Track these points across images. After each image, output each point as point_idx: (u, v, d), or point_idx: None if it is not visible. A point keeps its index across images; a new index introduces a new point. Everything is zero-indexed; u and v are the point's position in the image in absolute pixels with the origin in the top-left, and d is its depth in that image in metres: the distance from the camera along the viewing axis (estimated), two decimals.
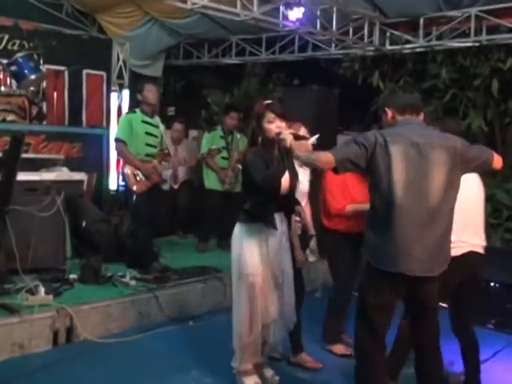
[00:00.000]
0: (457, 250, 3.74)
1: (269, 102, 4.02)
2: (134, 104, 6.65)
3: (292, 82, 9.58)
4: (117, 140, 6.15)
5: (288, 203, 4.09)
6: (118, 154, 6.51)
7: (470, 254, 3.95)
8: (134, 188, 6.02)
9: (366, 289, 3.46)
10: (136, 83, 7.34)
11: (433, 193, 3.27)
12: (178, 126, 8.20)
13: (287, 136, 3.76)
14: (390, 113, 3.49)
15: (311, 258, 4.78)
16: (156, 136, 6.21)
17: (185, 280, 5.87)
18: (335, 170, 3.35)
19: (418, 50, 7.60)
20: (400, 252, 3.25)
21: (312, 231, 4.74)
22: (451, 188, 3.33)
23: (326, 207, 4.78)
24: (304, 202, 4.62)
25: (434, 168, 3.28)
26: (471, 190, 3.95)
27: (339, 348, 4.83)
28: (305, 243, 4.51)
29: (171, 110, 8.62)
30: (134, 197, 6.03)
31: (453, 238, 3.44)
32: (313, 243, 4.74)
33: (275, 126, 3.90)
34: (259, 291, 3.92)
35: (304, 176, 4.62)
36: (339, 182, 4.63)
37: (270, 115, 3.92)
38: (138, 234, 6.12)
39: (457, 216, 3.41)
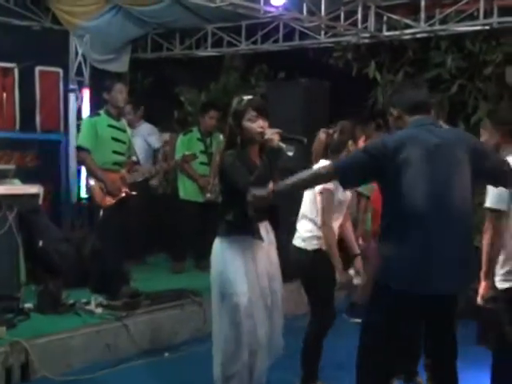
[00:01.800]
0: None
1: (249, 97, 4.04)
2: (96, 105, 6.66)
3: (276, 75, 9.58)
4: (79, 148, 6.14)
5: (273, 211, 4.09)
6: (80, 164, 6.48)
7: None
8: (101, 202, 6.03)
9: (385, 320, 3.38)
10: (98, 81, 7.34)
11: (457, 197, 3.27)
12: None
13: (274, 136, 3.78)
14: (396, 113, 3.50)
15: (356, 280, 4.76)
16: (124, 142, 6.22)
17: (158, 306, 5.86)
18: (342, 184, 3.40)
19: (419, 35, 7.66)
20: (423, 269, 3.23)
21: (356, 249, 4.72)
22: (472, 190, 3.36)
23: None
24: (343, 214, 4.59)
25: (456, 169, 3.29)
26: None
27: None
28: (347, 263, 4.50)
29: (139, 110, 8.58)
30: (101, 211, 6.03)
31: None
32: (358, 262, 4.69)
33: (257, 125, 3.92)
34: (245, 313, 3.92)
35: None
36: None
37: (252, 113, 3.93)
38: (105, 254, 6.10)
39: None
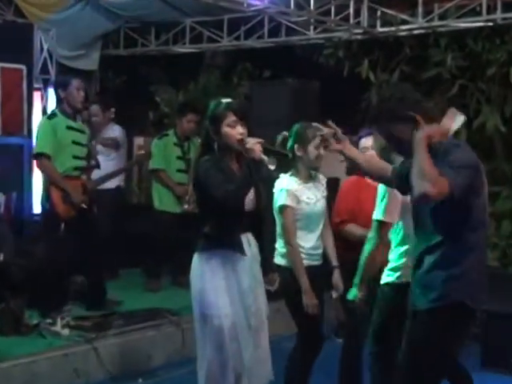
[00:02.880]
0: None
1: (229, 100, 4.06)
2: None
3: (261, 74, 9.61)
4: (38, 155, 6.05)
5: (254, 221, 4.12)
6: (42, 172, 6.38)
7: None
8: (62, 213, 6.00)
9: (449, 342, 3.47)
10: None
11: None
12: (94, 108, 7.89)
13: (255, 147, 3.80)
14: (421, 121, 3.42)
15: (334, 295, 4.80)
16: (83, 145, 6.18)
17: (132, 326, 5.84)
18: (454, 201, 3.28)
19: (416, 32, 7.70)
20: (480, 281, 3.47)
21: (334, 262, 4.77)
22: None
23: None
24: (321, 223, 4.68)
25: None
26: None
27: None
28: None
29: (110, 113, 8.56)
30: (63, 225, 5.98)
31: None
32: (337, 276, 4.75)
33: (236, 131, 3.93)
34: (229, 336, 3.91)
35: (322, 191, 4.70)
36: (353, 192, 4.80)
37: (231, 118, 3.95)
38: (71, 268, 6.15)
39: None
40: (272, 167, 3.82)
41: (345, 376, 4.94)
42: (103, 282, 6.52)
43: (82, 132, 6.18)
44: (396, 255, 4.28)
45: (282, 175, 4.55)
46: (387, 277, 4.31)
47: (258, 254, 4.15)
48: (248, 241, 4.08)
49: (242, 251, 3.99)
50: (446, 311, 3.39)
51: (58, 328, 5.58)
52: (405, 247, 4.21)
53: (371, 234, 4.32)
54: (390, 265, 4.31)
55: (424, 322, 3.43)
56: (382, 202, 4.24)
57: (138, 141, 9.38)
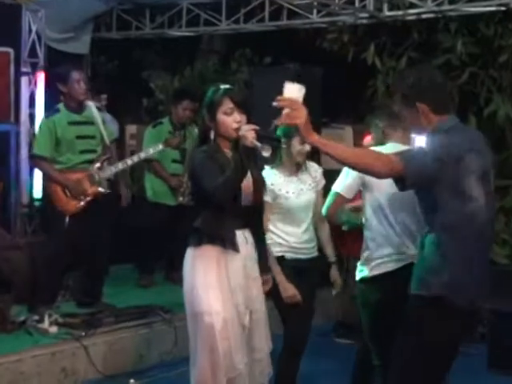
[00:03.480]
0: None
1: (227, 87, 4.06)
2: (53, 91, 6.59)
3: (262, 60, 9.60)
4: (34, 157, 6.19)
5: (253, 217, 4.12)
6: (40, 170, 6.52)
7: None
8: (65, 208, 6.04)
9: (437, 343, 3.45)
10: (55, 63, 7.27)
11: (490, 212, 3.52)
12: None
13: (248, 134, 3.79)
14: (423, 108, 3.48)
15: (333, 292, 4.91)
16: (93, 137, 6.21)
17: (123, 324, 5.85)
18: (401, 186, 3.40)
19: (425, 16, 7.67)
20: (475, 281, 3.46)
21: (332, 257, 4.86)
22: None
23: None
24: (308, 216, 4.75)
25: (490, 176, 3.52)
26: None
27: None
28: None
29: (102, 99, 8.54)
30: (67, 219, 6.03)
31: None
32: (334, 272, 4.87)
33: (233, 119, 3.94)
34: (220, 335, 3.90)
35: (310, 184, 4.74)
36: None
37: (229, 105, 3.95)
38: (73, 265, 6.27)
39: None
40: (266, 154, 3.80)
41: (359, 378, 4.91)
42: (102, 279, 6.53)
43: (89, 123, 6.20)
44: (368, 249, 4.32)
45: (265, 167, 4.58)
46: (360, 272, 4.34)
47: (254, 252, 4.13)
48: (245, 238, 4.06)
49: (234, 248, 3.97)
50: (426, 305, 3.40)
51: (45, 325, 5.59)
52: (378, 241, 4.25)
53: (327, 202, 4.45)
54: (362, 260, 4.35)
55: (411, 306, 3.49)
56: (346, 179, 4.31)
57: (131, 129, 9.36)
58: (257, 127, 3.90)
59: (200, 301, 3.92)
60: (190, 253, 4.03)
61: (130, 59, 10.14)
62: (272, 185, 4.57)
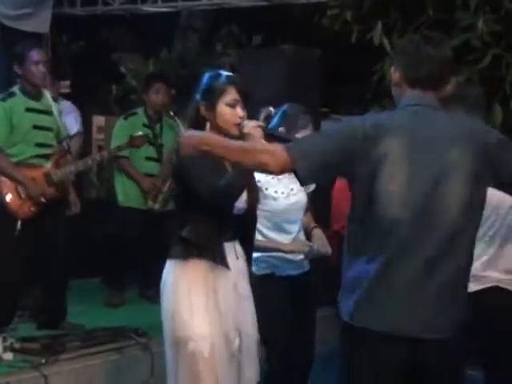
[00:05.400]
0: None
1: (229, 73, 4.08)
2: (8, 74, 6.58)
3: (251, 40, 9.63)
4: None
5: (245, 226, 4.13)
6: None
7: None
8: (18, 210, 6.02)
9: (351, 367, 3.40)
10: (10, 43, 7.27)
11: (447, 213, 3.27)
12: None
13: (255, 131, 3.79)
14: (397, 76, 3.47)
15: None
16: (50, 129, 6.20)
17: (90, 349, 5.82)
18: (300, 179, 3.30)
19: None
20: (396, 303, 3.25)
21: (312, 223, 4.94)
22: (475, 205, 3.34)
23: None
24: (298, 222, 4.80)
25: (449, 175, 3.28)
26: None
27: None
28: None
29: (65, 86, 8.55)
30: (18, 223, 5.98)
31: None
32: (317, 233, 4.89)
33: (235, 113, 3.94)
34: (206, 364, 3.89)
35: (291, 184, 4.73)
36: (343, 193, 4.94)
37: (232, 95, 3.96)
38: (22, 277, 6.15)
39: None
40: None
41: None
42: (65, 296, 6.51)
43: (47, 113, 6.18)
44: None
45: None
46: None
47: (245, 268, 4.14)
48: (235, 252, 4.07)
49: (224, 264, 3.97)
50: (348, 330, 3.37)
51: None
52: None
53: None
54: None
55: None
56: None
57: (99, 120, 9.37)
58: (263, 124, 3.95)
59: (183, 324, 3.91)
60: (172, 267, 4.00)
61: (96, 39, 10.17)
62: (259, 182, 4.50)
